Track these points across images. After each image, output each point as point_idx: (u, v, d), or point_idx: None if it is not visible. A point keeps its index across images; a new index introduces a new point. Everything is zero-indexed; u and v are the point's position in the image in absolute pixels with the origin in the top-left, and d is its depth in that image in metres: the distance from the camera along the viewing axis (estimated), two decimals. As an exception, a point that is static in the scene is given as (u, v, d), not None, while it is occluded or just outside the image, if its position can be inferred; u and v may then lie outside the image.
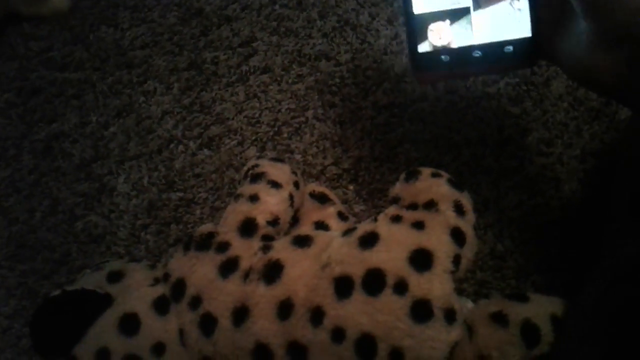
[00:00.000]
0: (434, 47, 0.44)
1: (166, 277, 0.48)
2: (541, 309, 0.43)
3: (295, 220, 0.53)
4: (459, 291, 0.51)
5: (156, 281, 0.48)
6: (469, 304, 0.45)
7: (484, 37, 0.43)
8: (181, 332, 0.45)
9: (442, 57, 0.44)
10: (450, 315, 0.41)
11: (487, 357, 0.41)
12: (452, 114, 0.62)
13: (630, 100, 0.41)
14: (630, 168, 0.49)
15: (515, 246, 0.56)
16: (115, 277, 0.49)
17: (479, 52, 0.43)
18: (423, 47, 0.44)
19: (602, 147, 0.58)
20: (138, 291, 0.47)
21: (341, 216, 0.54)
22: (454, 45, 0.43)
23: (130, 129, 0.67)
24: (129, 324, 0.45)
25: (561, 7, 0.41)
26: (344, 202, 0.60)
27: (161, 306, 0.46)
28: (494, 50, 0.43)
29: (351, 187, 0.61)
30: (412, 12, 0.44)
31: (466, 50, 0.43)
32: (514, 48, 0.43)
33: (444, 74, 0.45)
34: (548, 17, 0.42)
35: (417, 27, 0.44)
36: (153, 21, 0.72)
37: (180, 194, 0.63)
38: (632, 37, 0.35)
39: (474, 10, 0.43)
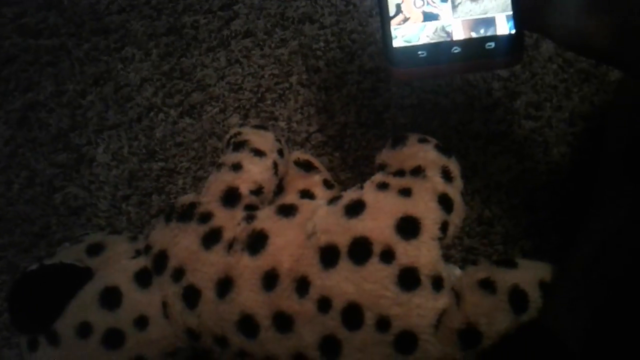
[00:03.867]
0: (410, 42, 0.41)
1: (148, 249, 0.47)
2: (529, 274, 0.43)
3: (279, 189, 0.52)
4: (446, 258, 0.51)
5: (138, 253, 0.47)
6: (457, 271, 0.45)
7: (464, 32, 0.41)
8: (164, 305, 0.44)
9: (419, 52, 0.41)
10: (437, 283, 0.41)
11: (475, 324, 0.40)
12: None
13: (623, 63, 0.40)
14: (620, 131, 0.49)
15: (503, 211, 0.55)
16: (95, 249, 0.48)
17: (458, 49, 0.41)
18: (398, 42, 0.41)
19: (591, 109, 0.57)
20: (119, 264, 0.46)
21: (327, 184, 0.53)
22: (432, 41, 0.41)
23: (108, 97, 0.65)
24: (111, 298, 0.44)
25: None
26: (330, 169, 0.59)
27: (143, 279, 0.45)
28: (474, 47, 0.41)
29: (337, 154, 0.60)
30: (387, 7, 0.41)
31: (444, 46, 0.41)
32: (496, 44, 0.41)
33: (422, 70, 0.42)
34: None
35: (392, 20, 0.42)
36: (129, -16, 0.69)
37: (162, 164, 0.62)
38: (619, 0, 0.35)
39: (454, 6, 0.41)
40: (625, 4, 0.35)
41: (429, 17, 0.41)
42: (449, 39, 0.41)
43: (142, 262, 0.46)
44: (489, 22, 0.41)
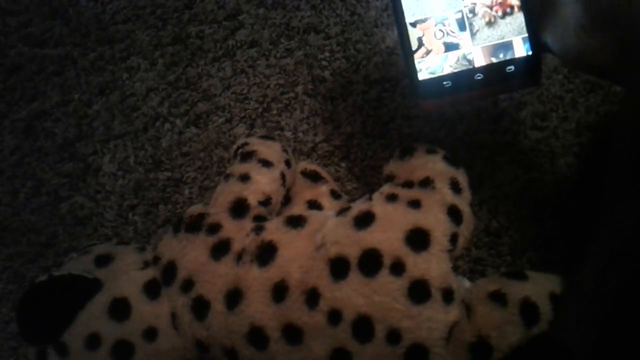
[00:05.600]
0: (434, 74, 0.43)
1: (156, 260, 0.47)
2: (540, 287, 0.43)
3: (287, 200, 0.52)
4: (454, 269, 0.51)
5: (146, 264, 0.47)
6: (466, 283, 0.45)
7: (484, 59, 0.42)
8: (173, 316, 0.44)
9: (444, 83, 0.43)
10: (448, 295, 0.41)
11: (486, 337, 0.40)
12: (445, 87, 0.61)
13: (624, 80, 0.40)
14: (627, 141, 0.49)
15: (510, 222, 0.55)
16: (104, 260, 0.47)
17: (481, 75, 0.43)
18: (423, 75, 0.43)
19: (597, 120, 0.58)
20: (127, 275, 0.46)
21: (334, 194, 0.53)
22: (455, 70, 0.43)
23: (114, 107, 0.65)
24: (119, 309, 0.44)
25: None
26: (336, 179, 0.59)
27: (152, 290, 0.45)
28: (495, 72, 0.43)
29: (343, 165, 0.60)
30: (410, 42, 0.43)
31: (467, 74, 0.43)
32: (515, 67, 0.42)
33: (448, 100, 0.44)
34: (536, 7, 0.41)
35: (415, 54, 0.43)
36: (135, -7, 0.69)
37: (168, 174, 0.62)
38: (618, 19, 0.35)
39: (472, 34, 0.42)
40: (624, 22, 0.35)
41: (450, 47, 0.43)
42: (471, 67, 0.43)
43: (151, 273, 0.46)
44: (507, 46, 0.42)
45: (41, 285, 0.45)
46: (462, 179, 0.46)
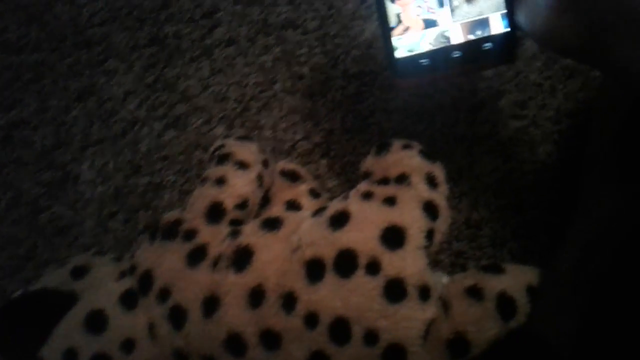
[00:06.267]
0: (412, 51, 0.42)
1: (133, 269, 0.46)
2: (517, 280, 0.42)
3: (266, 200, 0.52)
4: (435, 263, 0.51)
5: (123, 275, 0.47)
6: (444, 279, 0.44)
7: (462, 36, 0.42)
8: (151, 327, 0.44)
9: (421, 61, 0.42)
10: (424, 293, 0.40)
11: (464, 332, 0.40)
12: (423, 79, 0.60)
13: (593, 62, 0.40)
14: (604, 128, 0.48)
15: (490, 213, 0.55)
16: (80, 272, 0.47)
17: (458, 52, 0.42)
18: (400, 53, 0.42)
19: (577, 106, 0.57)
20: (104, 286, 0.45)
21: (313, 193, 0.53)
22: (433, 48, 0.42)
23: (92, 113, 0.65)
24: (96, 322, 0.43)
25: None
26: (317, 177, 0.58)
27: (128, 301, 0.44)
28: (473, 49, 0.42)
29: (323, 162, 0.59)
30: (388, 18, 0.42)
31: (445, 52, 0.42)
32: (493, 44, 0.41)
33: (425, 77, 0.43)
34: None
35: (394, 32, 0.42)
36: (110, -5, 0.68)
37: (148, 179, 0.61)
38: (584, 1, 0.34)
39: (452, 10, 0.41)
40: (589, 4, 0.35)
41: (428, 24, 0.42)
42: (448, 44, 0.42)
43: (128, 283, 0.45)
44: (485, 23, 0.41)
45: (16, 302, 0.44)
46: (439, 173, 0.46)
